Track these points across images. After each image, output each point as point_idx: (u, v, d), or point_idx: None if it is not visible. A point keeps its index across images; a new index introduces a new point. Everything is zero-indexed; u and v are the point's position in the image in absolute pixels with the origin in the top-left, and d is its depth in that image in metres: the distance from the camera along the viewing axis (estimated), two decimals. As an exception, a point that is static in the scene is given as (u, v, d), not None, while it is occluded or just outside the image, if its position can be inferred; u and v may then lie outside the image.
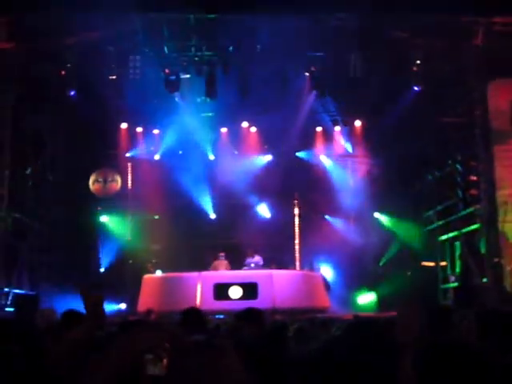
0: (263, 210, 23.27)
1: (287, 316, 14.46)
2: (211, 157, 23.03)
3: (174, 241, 22.22)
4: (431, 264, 21.53)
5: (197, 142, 22.39)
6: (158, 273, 20.56)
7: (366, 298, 21.34)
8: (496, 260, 18.38)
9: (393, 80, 19.73)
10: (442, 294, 20.13)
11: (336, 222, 22.85)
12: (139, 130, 22.72)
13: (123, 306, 20.65)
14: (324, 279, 20.48)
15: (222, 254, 19.98)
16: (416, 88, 20.31)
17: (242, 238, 21.54)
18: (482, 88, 19.09)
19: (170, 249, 22.14)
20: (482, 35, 18.70)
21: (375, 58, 19.47)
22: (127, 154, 22.89)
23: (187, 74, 20.35)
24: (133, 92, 19.84)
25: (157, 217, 22.93)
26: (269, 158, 23.31)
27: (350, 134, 22.77)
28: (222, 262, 19.77)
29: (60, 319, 6.31)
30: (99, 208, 22.78)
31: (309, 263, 21.13)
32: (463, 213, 20.37)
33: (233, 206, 22.29)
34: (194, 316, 6.44)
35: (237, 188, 22.03)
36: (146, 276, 19.74)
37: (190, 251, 21.73)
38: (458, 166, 20.82)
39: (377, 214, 22.64)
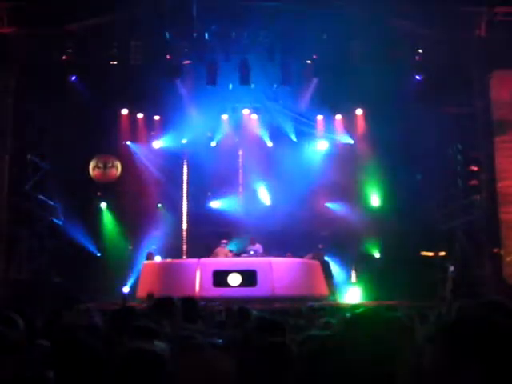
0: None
1: (286, 303, 14.54)
2: (213, 144, 22.95)
3: (174, 227, 22.26)
4: (430, 254, 21.55)
5: (200, 129, 22.27)
6: (158, 259, 20.57)
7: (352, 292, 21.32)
8: (495, 251, 18.42)
9: (395, 68, 19.68)
10: (441, 284, 20.13)
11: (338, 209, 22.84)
12: (140, 116, 22.66)
13: (126, 289, 20.72)
14: (328, 266, 20.49)
15: (225, 241, 20.02)
16: (418, 77, 20.30)
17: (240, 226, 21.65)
18: (483, 78, 19.08)
19: (171, 236, 22.15)
20: (485, 26, 18.68)
21: (377, 46, 19.42)
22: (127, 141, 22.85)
23: (189, 60, 20.28)
24: (134, 78, 19.81)
25: (159, 205, 22.90)
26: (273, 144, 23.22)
27: (350, 122, 22.71)
28: (223, 250, 19.82)
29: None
30: (99, 193, 22.77)
31: (316, 249, 21.07)
32: (463, 203, 20.39)
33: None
34: (190, 306, 6.50)
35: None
36: (146, 262, 19.80)
37: (192, 239, 21.80)
38: (459, 156, 20.82)
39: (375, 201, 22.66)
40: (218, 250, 19.81)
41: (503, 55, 18.67)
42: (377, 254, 22.43)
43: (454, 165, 20.92)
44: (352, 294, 20.88)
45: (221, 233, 20.94)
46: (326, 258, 20.78)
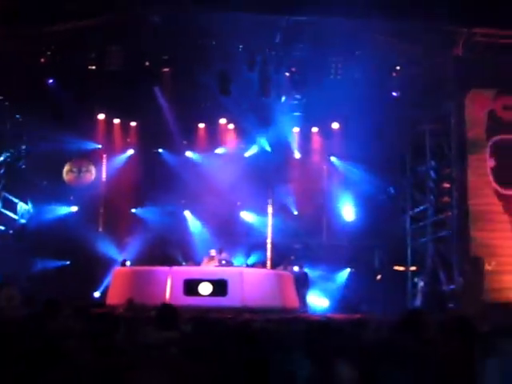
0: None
1: (256, 315, 14.51)
2: (188, 153, 22.96)
3: (147, 234, 22.18)
4: (402, 268, 21.69)
5: (173, 137, 22.25)
6: (128, 264, 20.48)
7: (318, 302, 21.43)
8: (465, 267, 18.59)
9: (372, 84, 19.82)
10: (411, 299, 20.27)
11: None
12: (116, 121, 22.61)
13: (97, 294, 20.57)
14: (306, 278, 20.56)
15: (213, 250, 19.93)
16: (394, 93, 20.46)
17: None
18: (459, 97, 19.28)
19: (143, 242, 22.05)
20: (462, 45, 18.90)
21: (355, 61, 19.56)
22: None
23: (168, 68, 20.26)
24: (112, 83, 19.76)
25: (133, 210, 22.81)
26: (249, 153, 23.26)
27: (327, 136, 22.84)
28: (209, 260, 19.71)
29: (42, 308, 6.35)
30: (71, 198, 22.61)
31: (285, 262, 21.12)
32: (435, 219, 20.57)
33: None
34: (168, 313, 6.49)
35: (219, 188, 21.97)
36: (117, 268, 19.69)
37: (163, 246, 21.71)
38: (432, 173, 20.99)
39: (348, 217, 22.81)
40: (205, 259, 19.74)
41: (479, 75, 18.91)
42: (348, 268, 22.53)
43: (426, 181, 21.09)
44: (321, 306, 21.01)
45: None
46: (305, 271, 20.86)
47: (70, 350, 3.71)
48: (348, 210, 22.75)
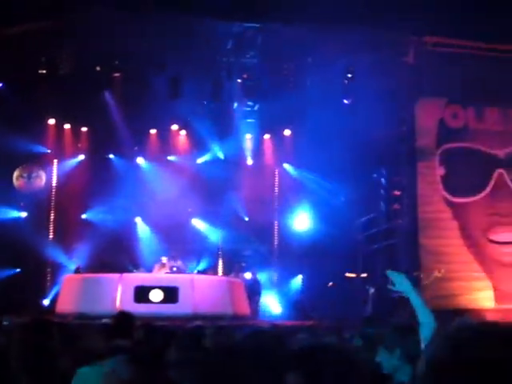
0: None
1: (207, 322, 14.44)
2: (140, 159, 22.83)
3: (97, 240, 21.92)
4: (353, 275, 21.83)
5: (124, 142, 22.06)
6: (77, 271, 20.24)
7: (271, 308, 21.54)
8: (415, 274, 18.78)
9: (324, 92, 19.92)
10: (362, 306, 20.39)
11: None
12: (67, 126, 22.34)
13: (46, 302, 20.28)
14: (258, 285, 20.58)
15: (164, 257, 19.79)
16: (346, 101, 20.58)
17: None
18: (410, 105, 19.54)
19: (93, 248, 21.77)
20: (414, 54, 19.14)
21: (308, 67, 19.66)
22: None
23: (119, 72, 20.11)
24: (62, 88, 19.54)
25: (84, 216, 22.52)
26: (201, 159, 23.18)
27: (279, 143, 22.90)
28: (161, 267, 19.57)
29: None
30: (22, 204, 22.26)
31: (236, 269, 21.12)
32: (386, 226, 20.76)
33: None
34: (123, 321, 6.41)
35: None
36: (67, 275, 19.45)
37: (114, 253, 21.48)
38: (383, 180, 21.19)
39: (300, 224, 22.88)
40: (156, 266, 19.60)
41: (430, 84, 19.18)
42: (300, 275, 22.60)
43: (377, 188, 21.27)
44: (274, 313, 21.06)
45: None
46: (257, 277, 20.89)
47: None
48: (300, 217, 22.82)
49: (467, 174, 19.30)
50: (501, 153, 19.80)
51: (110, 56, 19.64)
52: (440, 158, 19.53)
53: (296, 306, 21.50)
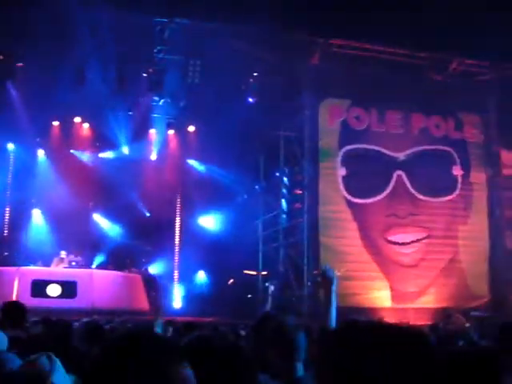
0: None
1: (105, 316, 14.28)
2: (40, 152, 22.31)
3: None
4: (253, 273, 21.96)
5: (26, 133, 21.50)
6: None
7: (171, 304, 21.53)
8: (315, 272, 19.02)
9: (230, 89, 19.92)
10: (261, 303, 20.54)
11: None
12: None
13: None
14: (155, 281, 20.50)
15: (63, 252, 19.40)
16: (250, 99, 20.65)
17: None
18: (314, 105, 19.79)
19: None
20: (319, 55, 19.40)
21: (214, 64, 19.61)
22: None
23: (21, 62, 19.56)
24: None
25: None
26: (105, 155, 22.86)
27: (183, 139, 22.82)
28: (59, 261, 19.19)
29: None
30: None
31: (135, 264, 20.98)
32: (287, 225, 20.99)
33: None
34: (15, 311, 6.24)
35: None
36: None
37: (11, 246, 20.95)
38: (285, 179, 21.41)
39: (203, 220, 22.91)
40: (54, 260, 19.20)
41: (334, 85, 19.47)
42: (202, 271, 22.63)
43: (280, 187, 21.47)
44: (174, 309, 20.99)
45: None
46: (152, 274, 20.78)
47: None
48: (203, 214, 22.84)
49: (368, 175, 19.67)
50: (400, 155, 20.30)
51: (12, 45, 19.07)
52: (342, 158, 19.85)
53: (196, 302, 21.48)
